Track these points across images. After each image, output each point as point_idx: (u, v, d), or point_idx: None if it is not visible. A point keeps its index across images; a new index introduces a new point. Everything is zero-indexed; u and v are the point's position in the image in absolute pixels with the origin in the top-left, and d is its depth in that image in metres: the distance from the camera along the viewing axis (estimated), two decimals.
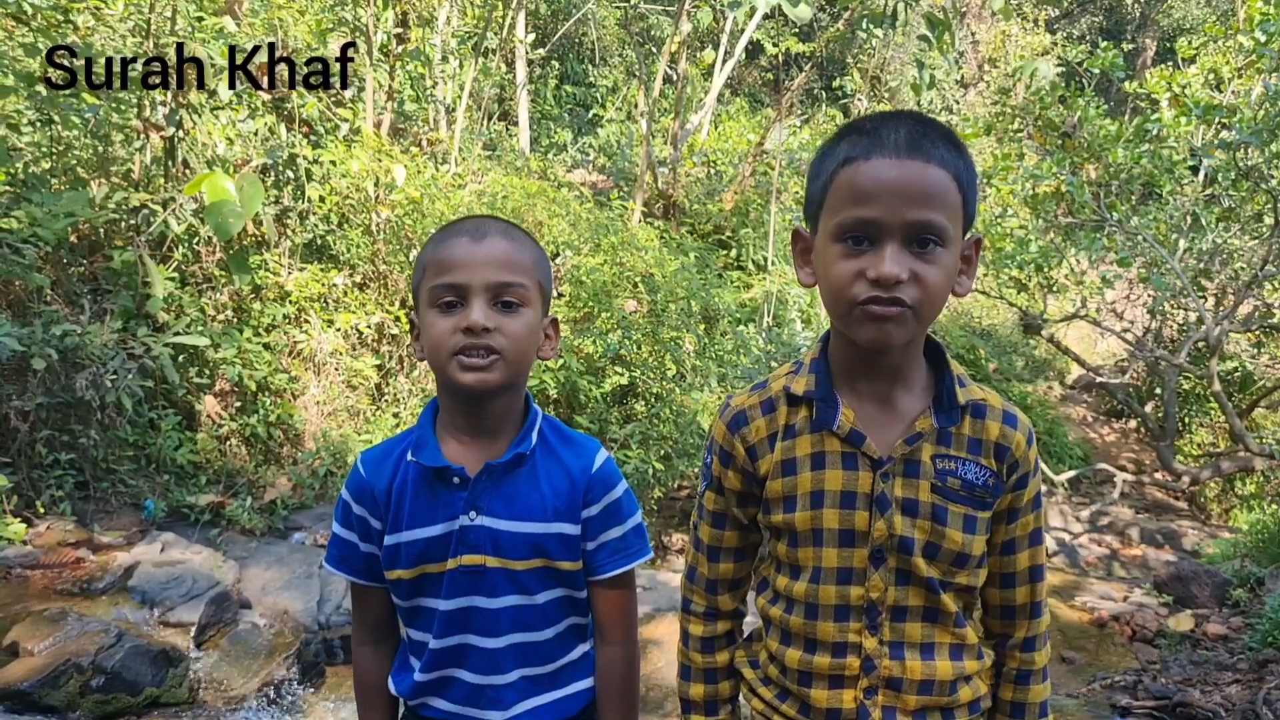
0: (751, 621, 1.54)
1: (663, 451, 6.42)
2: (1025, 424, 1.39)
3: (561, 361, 6.43)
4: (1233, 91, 8.67)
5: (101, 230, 5.52)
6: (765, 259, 9.67)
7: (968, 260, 1.34)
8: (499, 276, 1.42)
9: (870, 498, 1.33)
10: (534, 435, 1.52)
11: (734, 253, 10.29)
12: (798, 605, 1.39)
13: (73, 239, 5.42)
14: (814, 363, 1.41)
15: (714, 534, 1.51)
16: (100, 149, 5.77)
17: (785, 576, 1.41)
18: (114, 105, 5.59)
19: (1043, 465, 9.12)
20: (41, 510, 4.70)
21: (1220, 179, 8.04)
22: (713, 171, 12.17)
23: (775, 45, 13.32)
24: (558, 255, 7.58)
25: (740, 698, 1.57)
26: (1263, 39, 7.03)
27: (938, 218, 1.23)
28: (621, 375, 6.68)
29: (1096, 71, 8.51)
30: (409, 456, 1.51)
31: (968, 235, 1.33)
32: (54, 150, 5.60)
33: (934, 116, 1.42)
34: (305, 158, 6.39)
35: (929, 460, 1.33)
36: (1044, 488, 8.85)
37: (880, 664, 1.34)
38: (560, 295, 7.35)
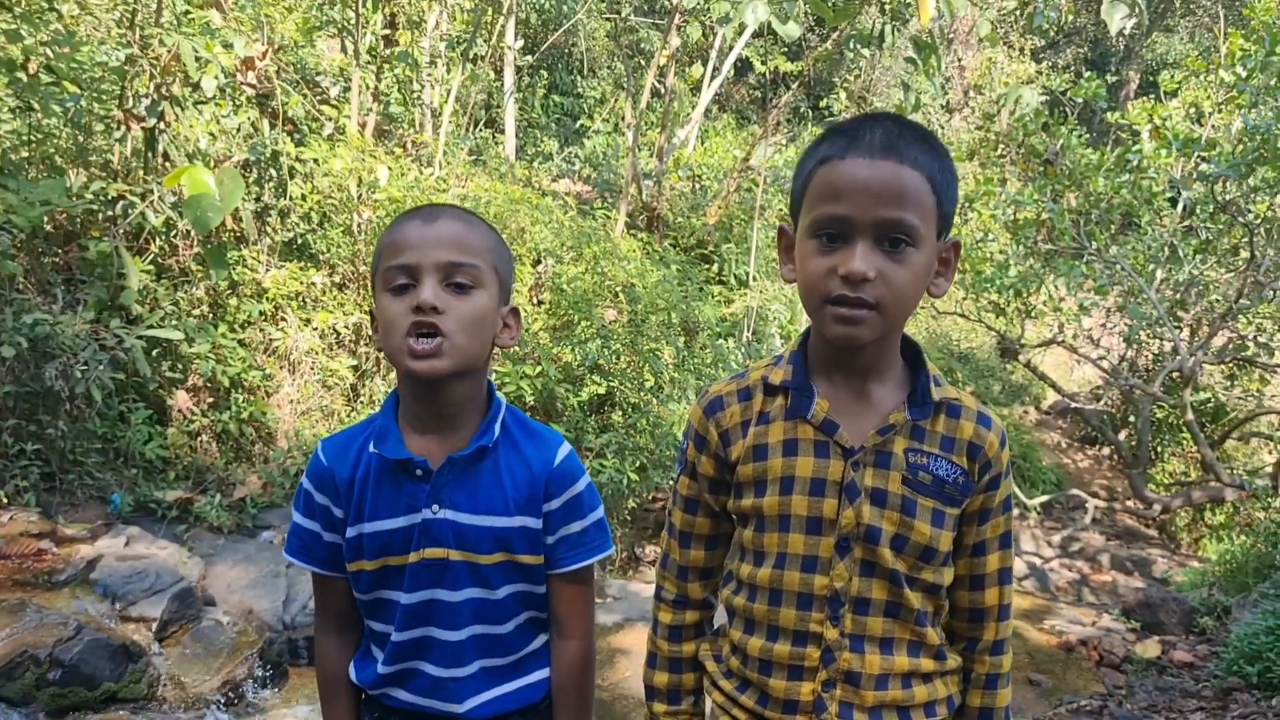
0: (720, 619, 1.54)
1: (638, 462, 6.40)
2: (999, 426, 1.41)
3: (539, 369, 6.41)
4: (1213, 125, 8.75)
5: (78, 220, 5.46)
6: (747, 274, 9.69)
7: (945, 263, 1.37)
8: (449, 256, 1.41)
9: (840, 486, 1.35)
10: (497, 427, 1.50)
11: (716, 267, 10.30)
12: (761, 592, 1.40)
13: (48, 228, 5.36)
14: (793, 355, 1.43)
15: (686, 519, 1.52)
16: (80, 138, 5.71)
17: (749, 564, 1.42)
18: (95, 95, 5.54)
19: (1016, 489, 9.17)
20: (5, 500, 4.63)
21: (1199, 211, 8.12)
22: (697, 186, 12.18)
23: (764, 63, 13.38)
24: (540, 262, 7.56)
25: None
26: (1243, 74, 7.13)
27: (909, 217, 1.25)
28: (599, 385, 6.67)
29: (1080, 101, 8.60)
30: (371, 448, 1.49)
31: (946, 238, 1.35)
32: (33, 138, 5.54)
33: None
34: (288, 155, 6.35)
35: (901, 453, 1.36)
36: (1017, 512, 8.98)
37: (840, 656, 1.35)
38: (540, 303, 7.33)
